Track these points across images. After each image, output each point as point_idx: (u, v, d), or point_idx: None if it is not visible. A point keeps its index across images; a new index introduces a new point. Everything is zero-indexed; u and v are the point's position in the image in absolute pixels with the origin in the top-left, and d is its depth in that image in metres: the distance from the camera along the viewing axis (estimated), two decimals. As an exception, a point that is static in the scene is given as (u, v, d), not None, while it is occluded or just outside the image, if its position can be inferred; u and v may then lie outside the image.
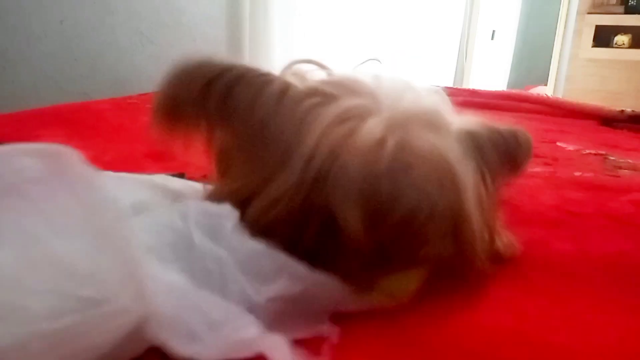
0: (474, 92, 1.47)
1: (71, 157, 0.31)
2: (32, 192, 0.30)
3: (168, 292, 0.28)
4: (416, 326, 0.33)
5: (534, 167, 0.78)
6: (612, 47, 3.75)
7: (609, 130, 1.18)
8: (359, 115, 0.35)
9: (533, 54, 4.65)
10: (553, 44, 3.94)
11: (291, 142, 0.36)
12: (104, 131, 0.89)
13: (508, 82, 4.77)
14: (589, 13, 3.75)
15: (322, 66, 0.43)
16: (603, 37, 3.75)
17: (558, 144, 0.99)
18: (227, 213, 0.34)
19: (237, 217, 0.34)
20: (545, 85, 4.00)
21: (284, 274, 0.32)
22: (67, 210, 0.30)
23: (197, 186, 0.49)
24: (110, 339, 0.26)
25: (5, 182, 0.30)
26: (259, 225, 0.35)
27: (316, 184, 0.34)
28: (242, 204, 0.36)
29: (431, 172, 0.35)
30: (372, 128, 0.35)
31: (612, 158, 0.87)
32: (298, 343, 0.29)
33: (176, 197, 0.45)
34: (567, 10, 3.82)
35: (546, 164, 0.81)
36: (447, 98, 0.43)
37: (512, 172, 0.44)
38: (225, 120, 0.40)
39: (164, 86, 0.41)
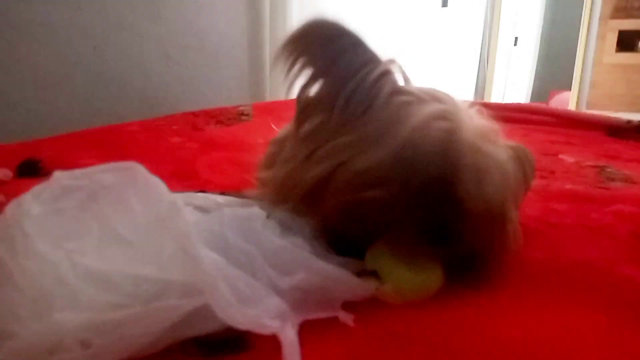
0: (485, 105, 1.51)
1: (139, 169, 0.42)
2: (108, 196, 0.42)
3: (210, 265, 0.35)
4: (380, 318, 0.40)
5: (529, 180, 0.83)
6: (637, 51, 3.72)
7: (615, 141, 1.22)
8: (453, 119, 0.43)
9: (557, 59, 4.62)
10: (576, 50, 3.92)
11: (387, 124, 0.44)
12: (133, 152, 0.97)
13: (532, 88, 4.75)
14: (612, 18, 3.73)
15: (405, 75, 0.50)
16: (627, 41, 3.72)
17: (560, 156, 1.04)
18: (257, 215, 0.41)
19: (265, 218, 0.41)
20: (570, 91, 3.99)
21: (303, 268, 0.39)
22: (135, 207, 0.40)
23: (236, 200, 0.58)
24: (159, 330, 0.33)
25: (90, 191, 0.42)
26: (344, 192, 0.42)
27: (415, 162, 0.41)
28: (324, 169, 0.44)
29: (501, 177, 0.44)
30: (470, 134, 0.43)
31: (609, 170, 0.91)
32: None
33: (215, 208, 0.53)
34: (590, 15, 3.81)
35: (542, 177, 0.86)
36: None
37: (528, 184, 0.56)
38: (329, 73, 0.47)
39: (304, 26, 0.47)
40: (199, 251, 0.35)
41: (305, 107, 0.49)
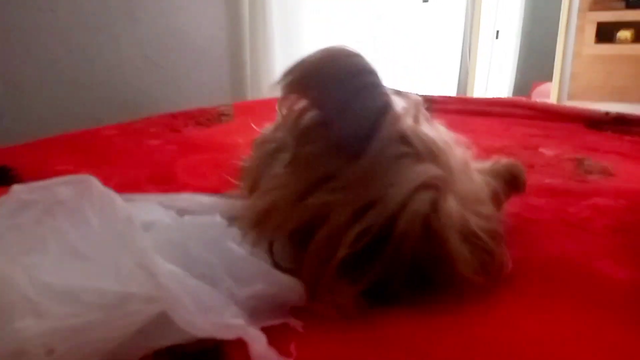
0: (465, 100, 1.52)
1: (93, 182, 0.42)
2: (64, 210, 0.41)
3: (170, 278, 0.35)
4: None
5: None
6: (615, 42, 3.76)
7: (594, 133, 1.22)
8: (440, 187, 0.44)
9: (538, 52, 4.66)
10: (557, 42, 3.96)
11: (381, 181, 0.43)
12: (111, 157, 0.96)
13: (514, 81, 4.79)
14: (590, 10, 3.77)
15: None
16: (606, 33, 3.76)
17: (540, 150, 1.04)
18: (217, 224, 0.40)
19: (226, 228, 0.40)
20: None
21: (261, 278, 0.39)
22: (92, 222, 0.40)
23: (219, 200, 0.58)
24: (122, 335, 0.33)
25: (46, 205, 0.41)
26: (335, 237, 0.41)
27: (402, 234, 0.41)
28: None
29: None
30: (451, 207, 0.43)
31: (587, 162, 0.91)
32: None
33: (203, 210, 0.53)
34: (569, 7, 3.84)
35: (522, 171, 0.86)
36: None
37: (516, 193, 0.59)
38: (339, 113, 0.44)
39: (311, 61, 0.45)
40: (157, 267, 0.34)
41: (306, 131, 0.47)
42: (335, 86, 0.43)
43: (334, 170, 0.44)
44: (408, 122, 0.46)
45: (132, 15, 1.51)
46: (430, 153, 0.45)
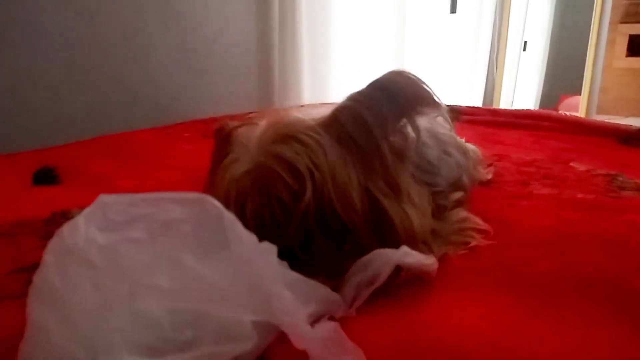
0: (494, 112, 1.51)
1: (208, 202, 0.40)
2: (180, 230, 0.40)
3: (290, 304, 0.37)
4: (409, 326, 0.40)
5: (540, 189, 0.83)
6: (648, 56, 3.70)
7: (627, 149, 1.21)
8: (231, 165, 0.51)
9: (566, 64, 4.60)
10: (586, 54, 3.91)
11: None
12: (146, 160, 0.98)
13: (542, 93, 4.73)
14: (622, 22, 3.72)
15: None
16: (637, 46, 3.70)
17: (571, 164, 1.03)
18: (270, 248, 0.40)
19: (276, 251, 0.41)
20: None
21: (314, 298, 0.41)
22: (209, 243, 0.39)
23: None
24: None
25: (158, 221, 0.40)
26: None
27: None
28: None
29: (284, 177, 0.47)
30: (237, 169, 0.50)
31: (620, 179, 0.90)
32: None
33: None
34: (600, 19, 3.79)
35: (554, 185, 0.86)
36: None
37: (407, 107, 0.54)
38: None
39: None
40: (280, 292, 0.36)
41: None
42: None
43: None
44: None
45: (164, 22, 1.55)
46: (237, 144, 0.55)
